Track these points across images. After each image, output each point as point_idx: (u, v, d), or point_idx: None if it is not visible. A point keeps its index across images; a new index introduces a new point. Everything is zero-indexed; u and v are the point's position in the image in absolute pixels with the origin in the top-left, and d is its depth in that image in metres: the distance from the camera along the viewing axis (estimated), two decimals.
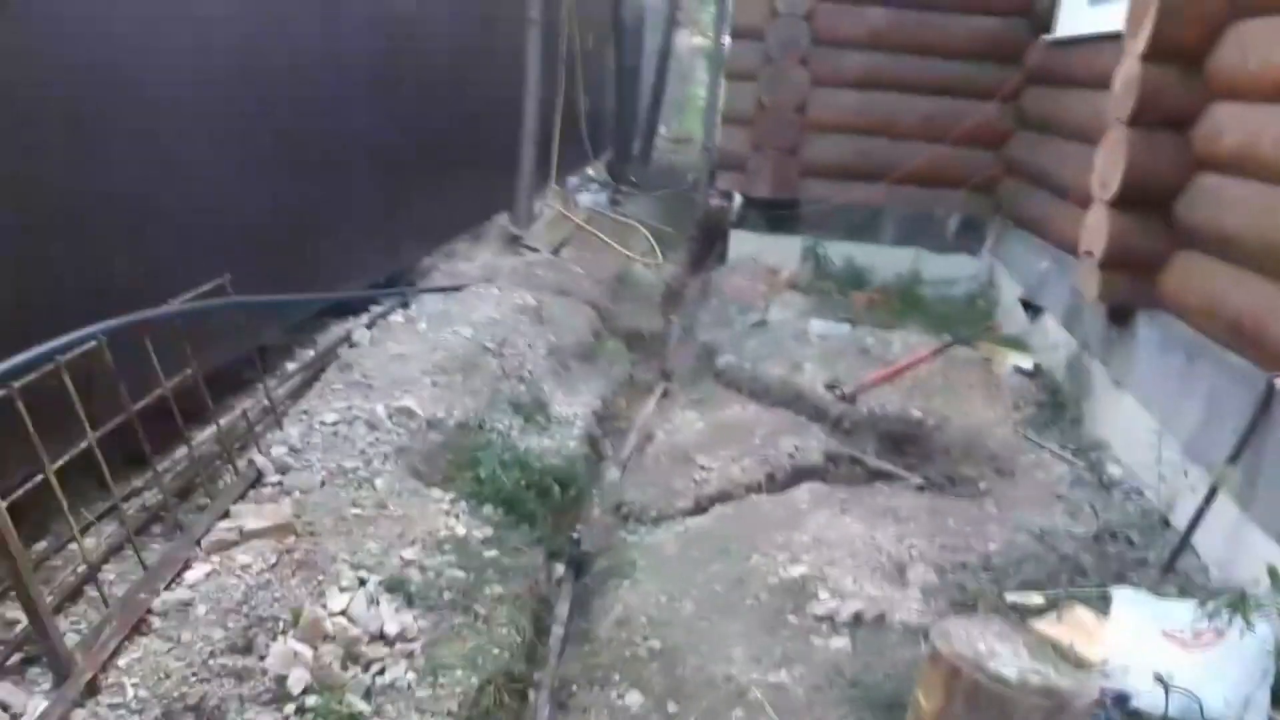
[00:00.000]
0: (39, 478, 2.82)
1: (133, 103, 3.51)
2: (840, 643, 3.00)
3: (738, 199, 7.74)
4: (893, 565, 3.41)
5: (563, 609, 3.40)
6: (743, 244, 7.69)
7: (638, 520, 3.91)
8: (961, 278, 7.23)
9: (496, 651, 2.93)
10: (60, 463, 2.91)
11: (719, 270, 7.64)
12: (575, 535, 3.84)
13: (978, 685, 2.43)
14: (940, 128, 6.92)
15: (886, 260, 7.33)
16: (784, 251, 7.47)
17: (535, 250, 7.20)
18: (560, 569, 3.66)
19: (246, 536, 3.23)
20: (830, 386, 4.92)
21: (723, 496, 3.98)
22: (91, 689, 2.57)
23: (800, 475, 4.13)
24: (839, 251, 7.41)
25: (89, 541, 3.14)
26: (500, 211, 7.62)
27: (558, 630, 3.29)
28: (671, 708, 2.79)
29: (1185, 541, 3.52)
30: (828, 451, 4.32)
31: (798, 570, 3.34)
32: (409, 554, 3.30)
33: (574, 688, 2.93)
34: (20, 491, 2.71)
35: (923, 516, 3.79)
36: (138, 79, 3.52)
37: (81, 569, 2.98)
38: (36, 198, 3.11)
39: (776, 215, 7.50)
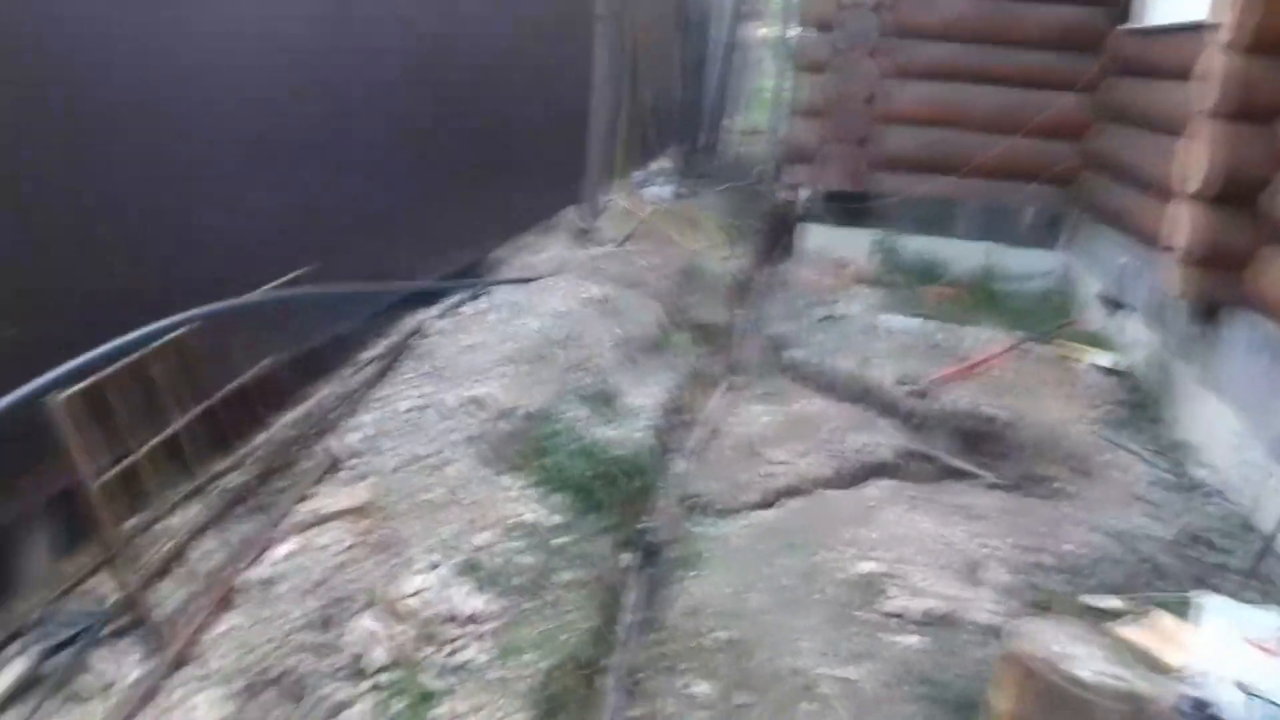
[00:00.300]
0: (129, 459, 2.95)
1: (221, 101, 3.65)
2: (910, 640, 2.97)
3: (807, 192, 7.68)
4: (965, 564, 3.36)
5: (631, 597, 3.43)
6: (812, 237, 7.63)
7: (705, 512, 3.92)
8: (1037, 273, 7.07)
9: (566, 637, 2.97)
10: (148, 446, 3.05)
11: (787, 264, 7.60)
12: (643, 525, 3.87)
13: (1053, 687, 2.40)
14: (1016, 119, 6.77)
15: (959, 254, 7.20)
16: (854, 245, 7.39)
17: (603, 244, 7.24)
18: (628, 558, 3.68)
19: (325, 519, 3.33)
20: (901, 382, 4.86)
21: (790, 491, 3.97)
22: (179, 660, 2.69)
23: (870, 471, 4.10)
24: (910, 245, 7.31)
25: (175, 520, 3.28)
26: (569, 205, 7.68)
27: (627, 618, 3.31)
28: (739, 699, 2.80)
29: (1269, 546, 3.40)
30: (898, 448, 4.27)
31: (867, 566, 3.31)
32: (480, 539, 3.36)
33: (642, 675, 2.96)
34: (112, 473, 2.84)
35: (996, 515, 3.72)
36: (225, 80, 3.66)
37: (169, 547, 3.11)
38: (137, 193, 3.25)
39: (846, 208, 7.43)
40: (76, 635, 2.74)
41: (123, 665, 2.69)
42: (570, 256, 6.81)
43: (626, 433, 4.38)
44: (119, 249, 3.19)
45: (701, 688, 2.83)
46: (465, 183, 5.96)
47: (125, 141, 3.18)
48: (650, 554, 3.67)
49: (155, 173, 3.33)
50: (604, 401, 4.60)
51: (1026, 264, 7.12)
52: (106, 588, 2.91)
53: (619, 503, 3.87)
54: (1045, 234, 7.20)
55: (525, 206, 7.21)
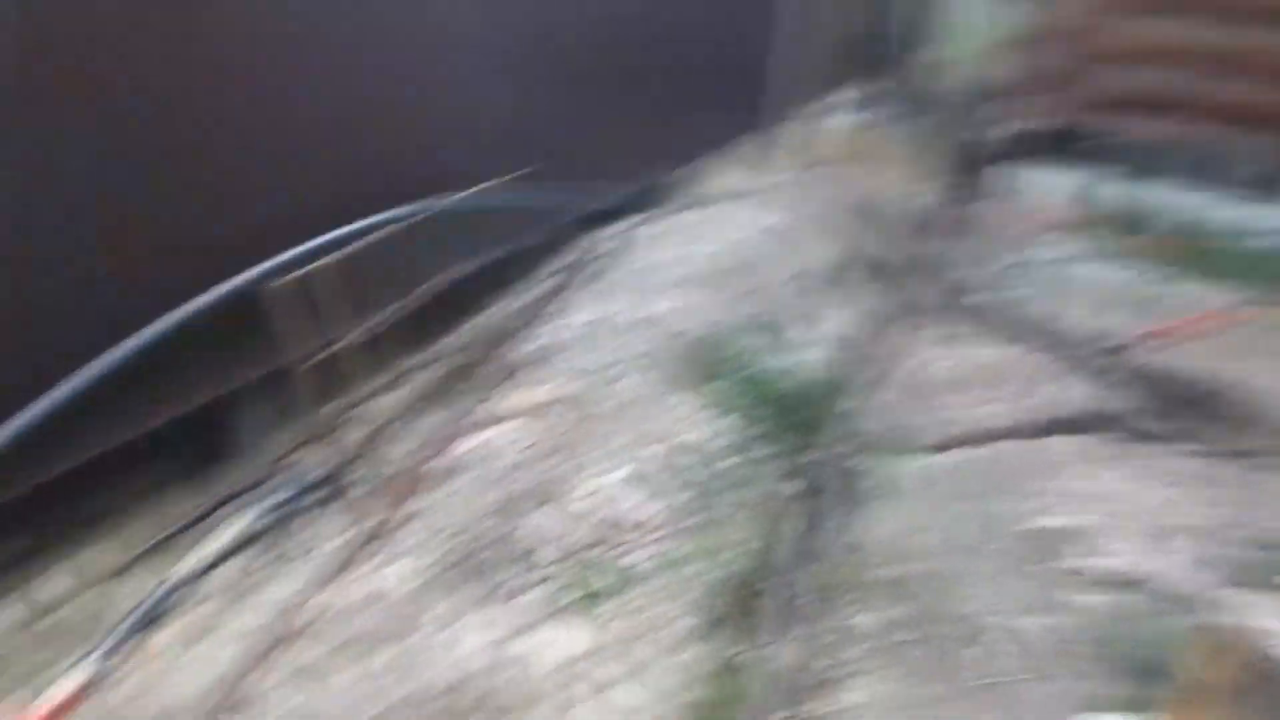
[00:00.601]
0: (334, 348, 3.16)
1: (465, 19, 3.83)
2: (1091, 600, 2.83)
3: (1005, 129, 7.24)
4: (1155, 529, 3.16)
5: (794, 527, 3.42)
6: (1007, 177, 7.20)
7: (876, 451, 3.83)
8: (1260, 230, 6.40)
9: (729, 555, 3.01)
10: (352, 337, 3.25)
11: (978, 203, 7.21)
12: (811, 458, 3.83)
13: (1252, 663, 2.25)
14: (1246, 61, 6.08)
15: (1172, 204, 6.60)
16: (1054, 187, 6.91)
17: (782, 173, 7.10)
18: (793, 488, 3.67)
19: (504, 420, 3.48)
20: (1098, 336, 4.56)
21: (968, 438, 3.82)
22: (373, 534, 2.90)
23: (1057, 426, 3.87)
24: (1118, 191, 6.77)
25: (372, 408, 3.50)
26: (749, 132, 7.55)
27: (788, 546, 3.31)
28: (899, 635, 2.77)
29: None
30: (1090, 405, 4.02)
31: (1048, 521, 3.17)
32: (649, 453, 3.43)
33: (802, 602, 2.96)
34: (318, 359, 3.04)
35: (1194, 484, 3.47)
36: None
37: (366, 432, 3.34)
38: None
39: (1048, 148, 6.95)
40: (284, 504, 3.00)
41: (323, 534, 2.93)
42: (748, 184, 6.71)
43: (798, 364, 4.33)
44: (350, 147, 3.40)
45: (863, 620, 2.81)
46: (647, 105, 5.94)
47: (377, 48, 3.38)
48: (816, 486, 3.64)
49: (397, 75, 3.52)
50: (776, 331, 4.56)
51: (1248, 219, 6.45)
52: (310, 464, 3.16)
53: (787, 432, 3.84)
54: (1271, 188, 6.51)
55: (705, 132, 7.12)
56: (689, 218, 5.67)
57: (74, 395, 2.61)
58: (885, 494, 3.46)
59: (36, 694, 2.48)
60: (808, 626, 2.84)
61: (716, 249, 5.08)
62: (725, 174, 6.95)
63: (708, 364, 4.08)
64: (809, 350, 4.47)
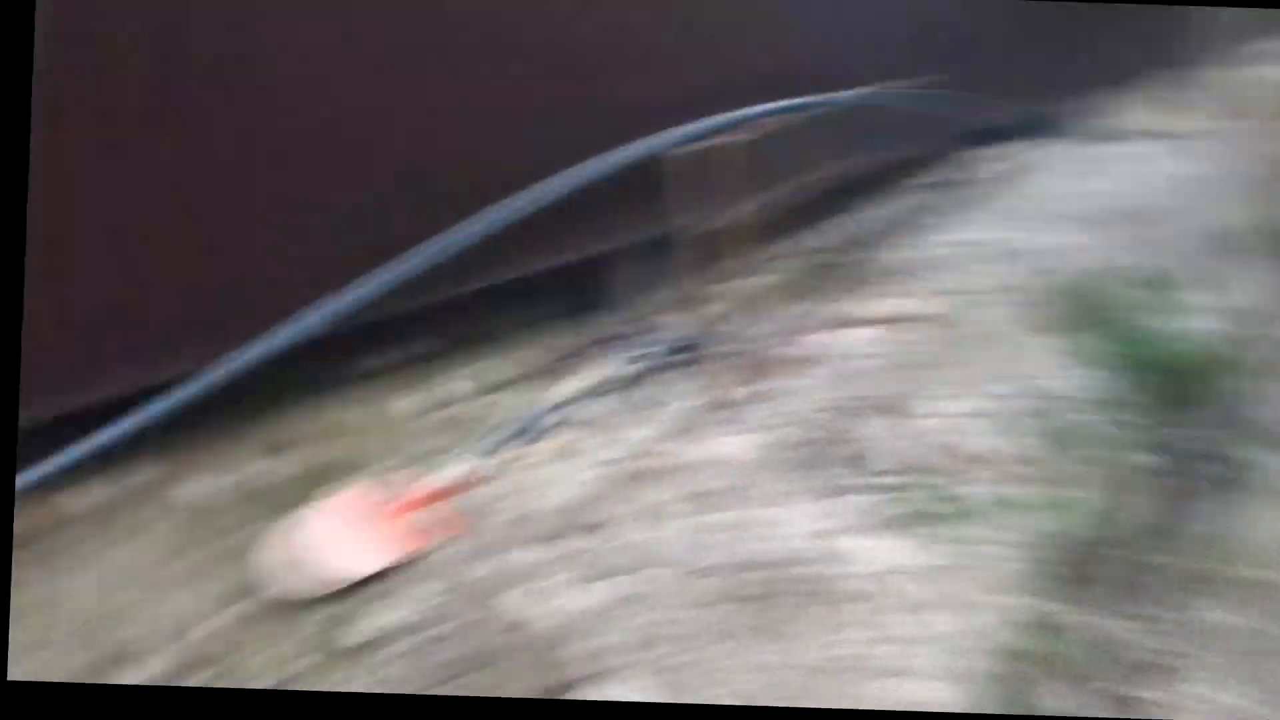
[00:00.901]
0: (716, 223, 3.31)
1: None
2: None
3: None
4: None
5: (1152, 501, 3.16)
6: None
7: (1266, 443, 3.41)
8: None
9: (1073, 513, 2.86)
10: (733, 214, 3.38)
11: None
12: (1180, 433, 3.49)
13: None
14: None
15: None
16: None
17: (1202, 118, 6.25)
18: (1151, 460, 3.38)
19: (861, 324, 3.49)
20: None
21: None
22: (719, 403, 3.07)
23: None
24: None
25: (738, 286, 3.64)
26: (1164, 67, 6.68)
27: (1142, 520, 3.08)
28: (1258, 644, 2.52)
29: None
30: None
31: None
32: (998, 389, 3.31)
33: (1146, 580, 2.76)
34: (700, 230, 3.20)
35: None
36: None
37: (730, 307, 3.50)
38: None
39: None
40: (647, 357, 3.25)
41: (676, 392, 3.15)
42: (1159, 125, 5.99)
43: (1186, 331, 3.91)
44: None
45: (1217, 617, 2.58)
46: (1060, 24, 5.43)
47: None
48: (1184, 466, 3.32)
49: None
50: (1167, 290, 4.12)
51: None
52: (674, 326, 3.38)
53: (1158, 401, 3.52)
54: None
55: (1116, 60, 6.39)
56: (1087, 151, 5.20)
57: (494, 227, 2.97)
58: (1270, 491, 3.09)
59: (425, 473, 2.93)
60: (1147, 607, 2.66)
61: (1113, 189, 4.65)
62: (1134, 110, 6.25)
63: (1081, 310, 3.81)
64: (1202, 318, 4.01)
